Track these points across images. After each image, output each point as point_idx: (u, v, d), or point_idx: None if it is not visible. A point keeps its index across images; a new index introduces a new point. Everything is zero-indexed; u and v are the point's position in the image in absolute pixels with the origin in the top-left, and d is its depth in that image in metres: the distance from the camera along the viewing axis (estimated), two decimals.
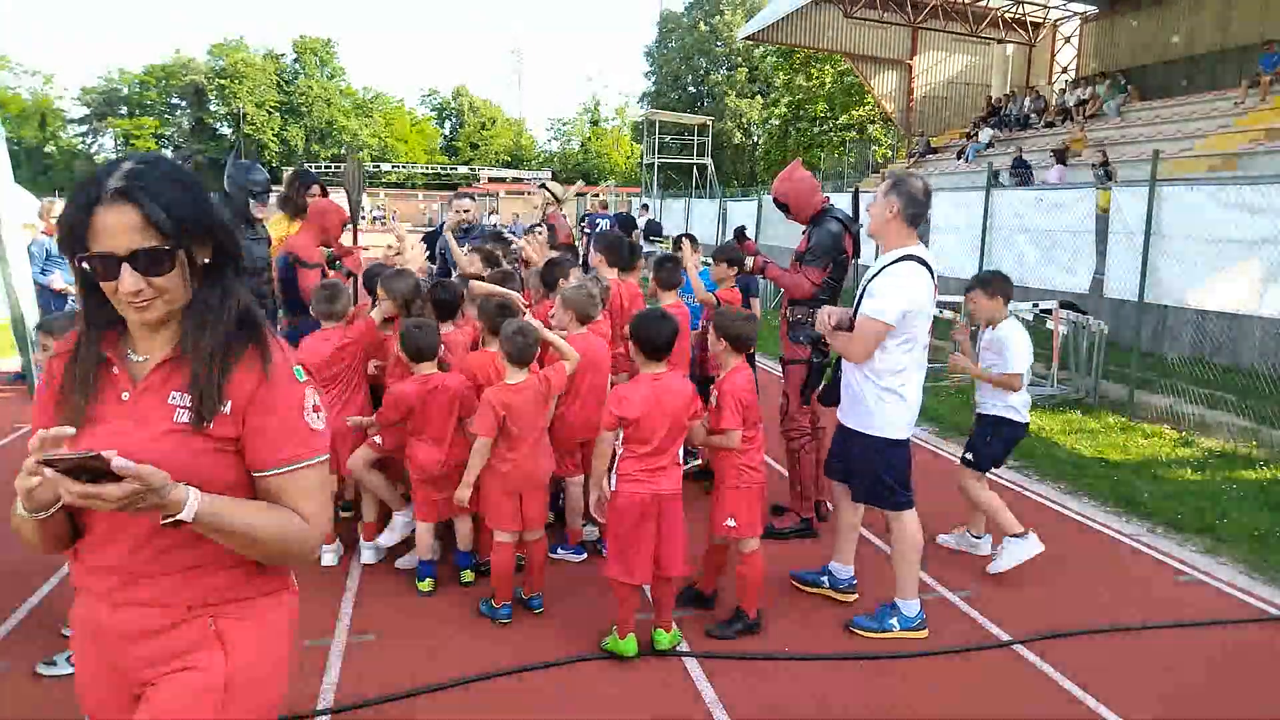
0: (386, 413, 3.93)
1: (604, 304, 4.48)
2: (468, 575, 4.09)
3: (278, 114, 65.87)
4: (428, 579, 4.02)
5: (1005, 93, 24.12)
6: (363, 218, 6.22)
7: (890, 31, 24.86)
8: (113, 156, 67.08)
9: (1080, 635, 3.75)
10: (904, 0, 23.06)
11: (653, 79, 61.07)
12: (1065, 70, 24.73)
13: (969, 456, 4.45)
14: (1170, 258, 7.75)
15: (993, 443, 4.39)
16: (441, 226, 6.74)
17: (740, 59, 55.42)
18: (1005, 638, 3.73)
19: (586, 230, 11.95)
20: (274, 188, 5.46)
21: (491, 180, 52.82)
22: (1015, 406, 4.34)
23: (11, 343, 7.15)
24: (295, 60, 68.94)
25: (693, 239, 6.28)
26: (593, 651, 3.50)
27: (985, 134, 21.51)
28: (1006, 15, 23.91)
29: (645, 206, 22.42)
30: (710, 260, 6.01)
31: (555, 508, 4.52)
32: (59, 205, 7.68)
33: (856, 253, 4.77)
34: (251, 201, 4.61)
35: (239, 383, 1.51)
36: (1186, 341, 9.24)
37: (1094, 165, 13.84)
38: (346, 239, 5.45)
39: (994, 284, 4.43)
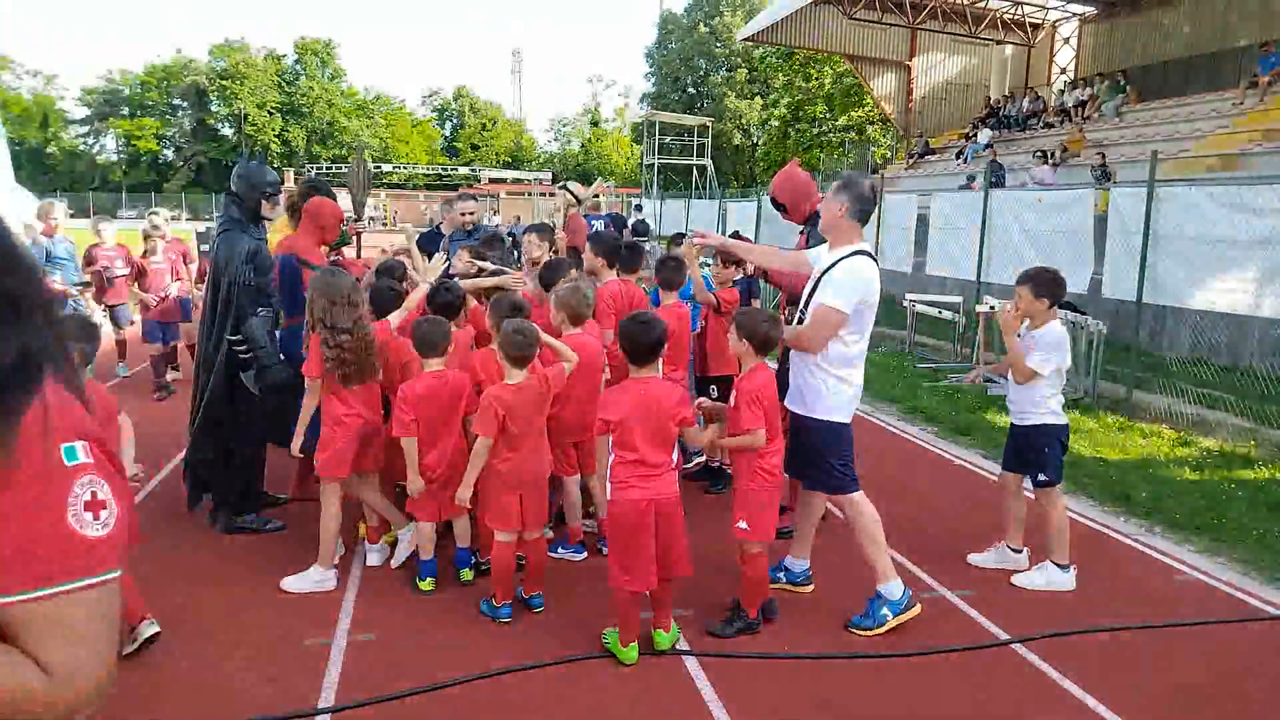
0: (400, 415, 3.91)
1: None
2: (466, 574, 4.10)
3: (279, 115, 65.86)
4: (428, 578, 4.03)
5: (1004, 94, 24.13)
6: (365, 219, 6.18)
7: (889, 33, 24.89)
8: (114, 157, 67.09)
9: (1080, 635, 3.76)
10: (903, 1, 23.08)
11: (653, 80, 61.11)
12: (1064, 71, 24.74)
13: (1044, 477, 4.24)
14: (1169, 258, 7.76)
15: (1051, 452, 4.23)
16: (439, 227, 6.74)
17: (740, 60, 55.44)
18: (1005, 638, 3.74)
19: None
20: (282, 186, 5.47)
21: (492, 181, 52.80)
22: (1055, 410, 4.23)
23: None
24: (296, 61, 68.94)
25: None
26: (593, 651, 3.51)
27: (984, 135, 21.52)
28: (1005, 16, 23.93)
29: (639, 207, 22.47)
30: (711, 260, 6.03)
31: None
32: (59, 206, 7.70)
33: None
34: (264, 201, 4.64)
35: None
36: (1185, 341, 9.24)
37: (1093, 166, 13.85)
38: (348, 250, 5.46)
39: (1041, 284, 4.20)
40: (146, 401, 7.45)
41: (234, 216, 4.66)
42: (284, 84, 66.97)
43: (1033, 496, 4.37)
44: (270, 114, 65.28)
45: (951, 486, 5.88)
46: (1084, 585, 4.28)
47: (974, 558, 4.49)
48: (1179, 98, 18.30)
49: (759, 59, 52.83)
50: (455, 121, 75.59)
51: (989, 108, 23.62)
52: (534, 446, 3.74)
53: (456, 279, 4.93)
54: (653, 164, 37.56)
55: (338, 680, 3.28)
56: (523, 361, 3.70)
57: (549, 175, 57.51)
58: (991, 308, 9.35)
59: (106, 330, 8.12)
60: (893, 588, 3.75)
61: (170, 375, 8.07)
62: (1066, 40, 24.86)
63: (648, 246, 13.07)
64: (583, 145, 75.07)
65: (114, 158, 69.20)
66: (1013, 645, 3.67)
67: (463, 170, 62.13)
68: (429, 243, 6.33)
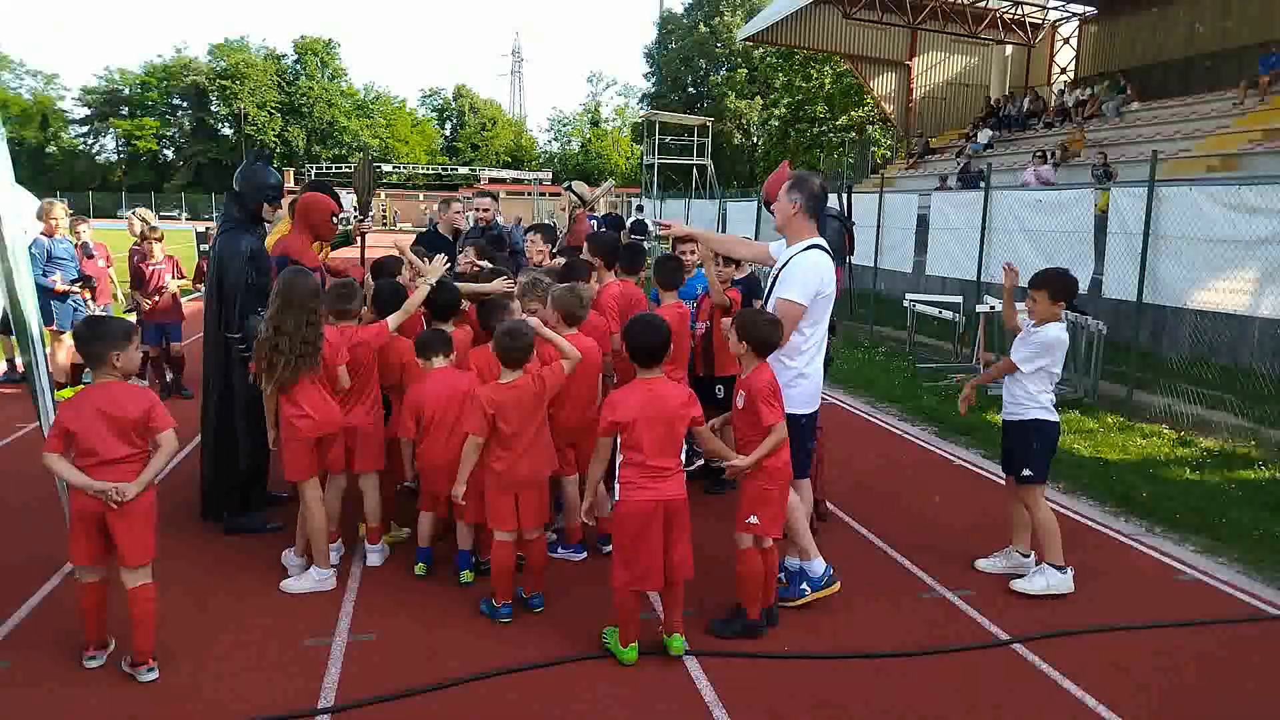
0: (405, 420, 4.05)
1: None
2: (467, 575, 4.10)
3: (279, 114, 65.88)
4: (421, 563, 4.15)
5: (1004, 94, 24.14)
6: (369, 218, 6.15)
7: (889, 32, 24.90)
8: (114, 157, 67.06)
9: (1080, 635, 3.76)
10: (903, 1, 23.08)
11: (653, 80, 61.12)
12: (1064, 71, 24.76)
13: (1028, 473, 4.16)
14: (1169, 258, 7.76)
15: (1039, 449, 4.15)
16: (436, 227, 6.74)
17: (740, 60, 55.46)
18: (1005, 638, 3.74)
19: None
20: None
21: (492, 181, 52.79)
22: (1047, 406, 4.18)
23: (12, 343, 7.16)
24: (296, 61, 68.97)
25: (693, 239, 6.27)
26: (593, 651, 3.51)
27: (984, 135, 21.53)
28: (1005, 16, 23.94)
29: (640, 208, 22.46)
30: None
31: (555, 506, 4.52)
32: (59, 206, 7.69)
33: (851, 249, 4.78)
34: (265, 205, 4.64)
35: None
36: (1185, 341, 9.24)
37: (1094, 166, 13.85)
38: (350, 251, 5.44)
39: (1059, 287, 4.12)
40: None
41: (235, 216, 4.66)
42: (284, 84, 66.98)
43: (1017, 494, 4.29)
44: (270, 114, 65.28)
45: (952, 487, 5.88)
46: (1084, 585, 4.27)
47: (982, 564, 4.41)
48: (1179, 98, 18.31)
49: (759, 59, 52.85)
50: (455, 121, 75.60)
51: (989, 108, 23.62)
52: (530, 446, 3.73)
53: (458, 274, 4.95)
54: (653, 164, 37.55)
55: (338, 680, 3.28)
56: (516, 361, 3.70)
57: (549, 175, 57.56)
58: (992, 307, 9.36)
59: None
60: (815, 565, 3.96)
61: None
62: (1066, 40, 24.88)
63: (646, 246, 13.06)
64: (583, 145, 75.07)
65: (114, 158, 69.25)
66: (1013, 645, 3.67)
67: (463, 170, 62.15)
68: (427, 243, 6.33)
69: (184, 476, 5.23)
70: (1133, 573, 4.49)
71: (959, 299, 10.51)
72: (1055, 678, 3.42)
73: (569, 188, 8.65)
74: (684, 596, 3.54)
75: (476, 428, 3.67)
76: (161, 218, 51.79)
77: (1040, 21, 24.59)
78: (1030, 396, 4.17)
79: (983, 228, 10.32)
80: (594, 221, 11.58)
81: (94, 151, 69.08)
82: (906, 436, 7.20)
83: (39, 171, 59.69)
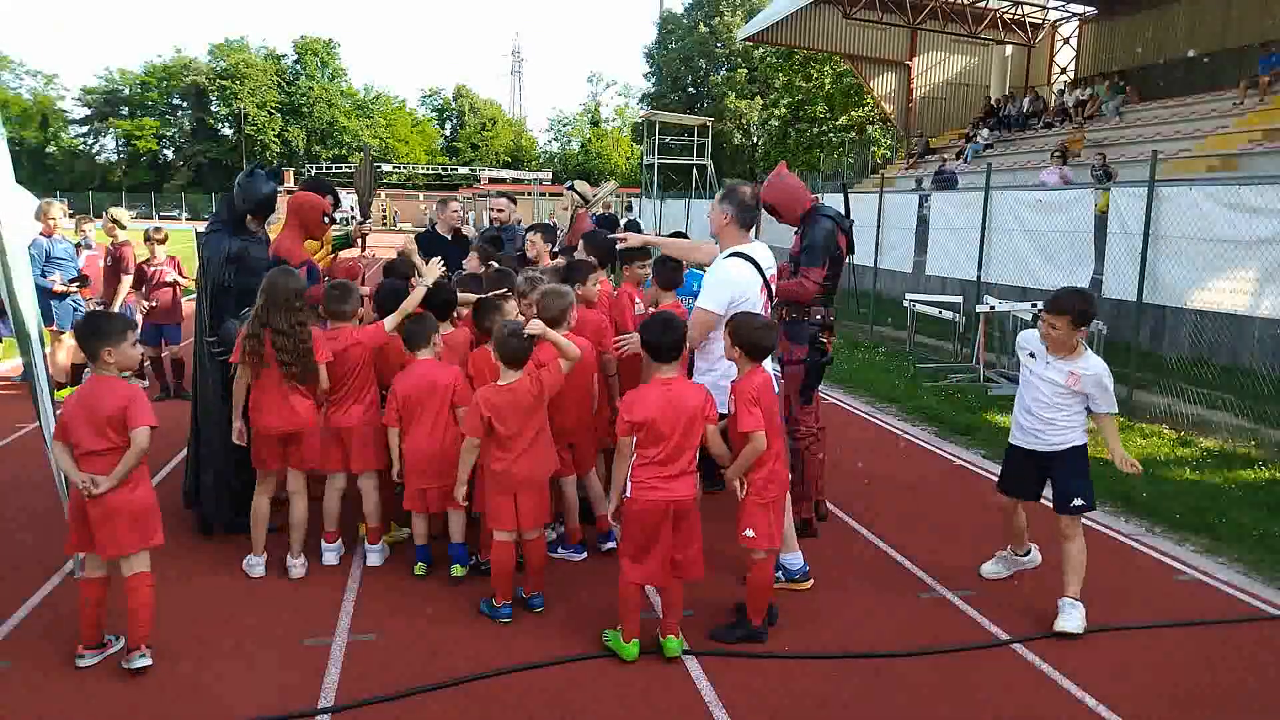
0: (388, 410, 4.15)
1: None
2: (457, 570, 4.11)
3: (279, 115, 65.86)
4: (420, 563, 4.17)
5: (1004, 94, 24.13)
6: (369, 219, 6.17)
7: (889, 32, 24.89)
8: (114, 157, 67.04)
9: (1080, 635, 3.75)
10: (903, 1, 23.08)
11: (653, 80, 61.10)
12: (1064, 71, 24.75)
13: (1080, 503, 3.80)
14: (1169, 258, 7.75)
15: (1087, 472, 3.86)
16: (434, 227, 6.73)
17: (740, 60, 55.43)
18: (1005, 638, 3.74)
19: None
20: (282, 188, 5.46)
21: (492, 181, 52.80)
22: (1083, 428, 3.89)
23: (12, 343, 7.16)
24: (296, 61, 68.95)
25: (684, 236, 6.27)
26: (593, 651, 3.51)
27: (984, 135, 21.52)
28: (1005, 16, 23.94)
29: (629, 207, 22.43)
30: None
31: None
32: (57, 206, 7.69)
33: (850, 249, 4.78)
34: (248, 216, 4.63)
35: None
36: (1185, 342, 9.24)
37: (1093, 167, 13.85)
38: (351, 251, 5.43)
39: (1079, 314, 3.69)
40: None
41: (223, 218, 4.67)
42: (284, 84, 66.96)
43: (1062, 522, 3.87)
44: (270, 114, 65.27)
45: (953, 487, 5.88)
46: (1084, 585, 4.27)
47: (987, 570, 4.33)
48: (1179, 98, 18.30)
49: (759, 59, 52.83)
50: (455, 121, 75.57)
51: (989, 108, 23.62)
52: (528, 447, 3.73)
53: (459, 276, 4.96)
54: (653, 164, 37.54)
55: (338, 680, 3.28)
56: (515, 362, 3.70)
57: (549, 175, 57.54)
58: (992, 307, 9.36)
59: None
60: (793, 557, 4.09)
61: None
62: (1066, 40, 24.87)
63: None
64: (583, 145, 75.06)
65: (114, 158, 69.23)
66: (1013, 645, 3.67)
67: (463, 170, 62.16)
68: (425, 243, 6.34)
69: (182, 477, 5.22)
70: (1133, 573, 4.50)
71: (959, 299, 10.51)
72: (1055, 678, 3.42)
73: (571, 187, 8.63)
74: (684, 597, 3.54)
75: (471, 429, 3.71)
76: (162, 218, 51.51)
77: (1040, 21, 24.58)
78: (1077, 421, 3.84)
79: (983, 228, 10.32)
80: (593, 221, 11.56)
81: (94, 151, 69.06)
82: (907, 436, 7.20)
83: (39, 171, 59.70)
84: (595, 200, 8.65)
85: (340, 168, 50.54)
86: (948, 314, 10.59)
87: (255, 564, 4.16)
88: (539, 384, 3.74)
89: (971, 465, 6.37)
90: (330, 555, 4.29)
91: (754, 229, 4.20)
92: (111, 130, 66.97)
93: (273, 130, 65.08)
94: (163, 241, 8.02)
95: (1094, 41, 23.33)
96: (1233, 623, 3.93)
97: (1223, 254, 7.33)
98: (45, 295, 7.10)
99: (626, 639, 3.44)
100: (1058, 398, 3.79)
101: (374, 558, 4.31)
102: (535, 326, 3.71)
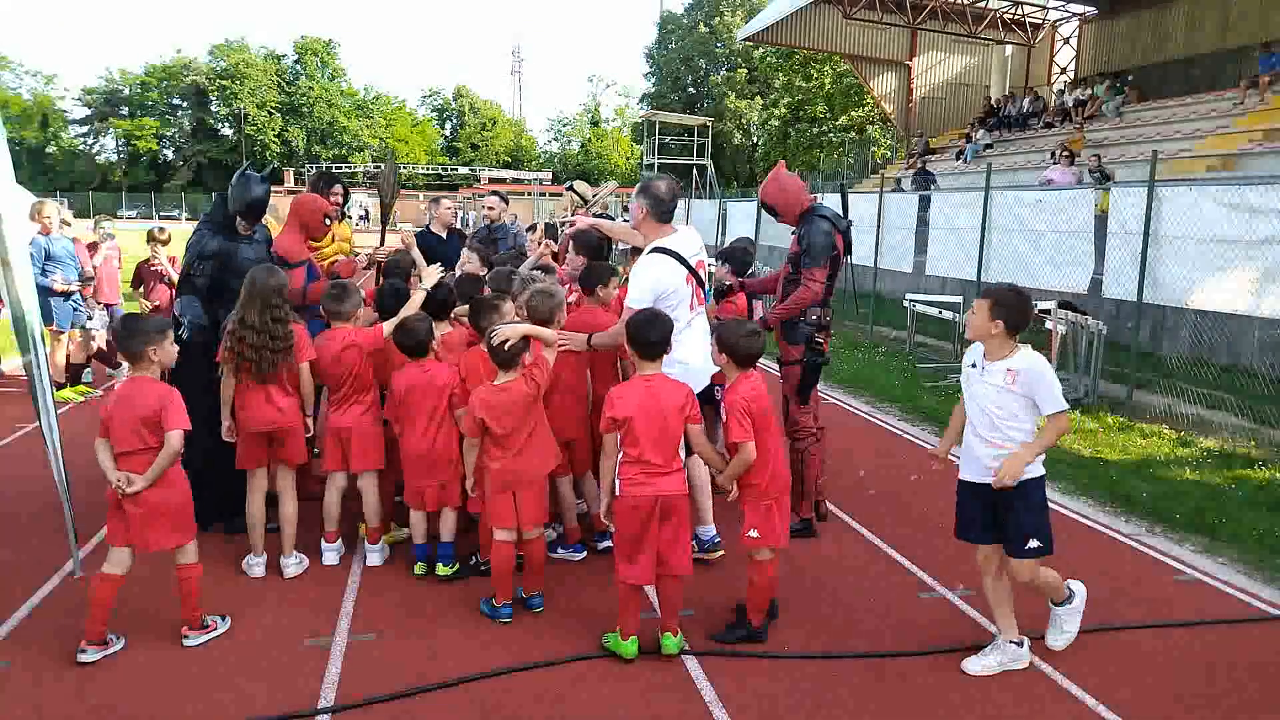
0: (389, 406, 4.23)
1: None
2: (442, 569, 4.12)
3: (279, 115, 65.88)
4: (420, 563, 4.17)
5: (1004, 94, 24.12)
6: (364, 217, 6.21)
7: (889, 32, 24.89)
8: (114, 157, 67.03)
9: (1081, 635, 3.75)
10: (903, 1, 23.07)
11: (653, 80, 61.11)
12: (1064, 71, 24.74)
13: (1036, 545, 3.33)
14: (1169, 258, 7.76)
15: (1044, 508, 3.39)
16: (429, 227, 6.74)
17: (740, 60, 55.46)
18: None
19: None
20: (276, 188, 5.48)
21: (492, 180, 52.81)
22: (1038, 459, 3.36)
23: (12, 342, 7.16)
24: (296, 61, 68.97)
25: None
26: (593, 651, 3.51)
27: (984, 135, 21.52)
28: (1005, 16, 23.93)
29: (626, 208, 22.41)
30: (715, 262, 6.02)
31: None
32: (50, 204, 7.68)
33: (848, 250, 4.79)
34: (238, 218, 4.64)
35: None
36: (1185, 341, 9.24)
37: (1091, 169, 13.84)
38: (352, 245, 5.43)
39: (996, 300, 3.28)
40: None
41: (214, 218, 4.67)
42: (284, 84, 66.98)
43: (1016, 568, 3.40)
44: (270, 114, 65.29)
45: (953, 487, 5.87)
46: (1084, 585, 4.27)
47: (970, 665, 3.46)
48: (1179, 98, 18.29)
49: (759, 59, 52.84)
50: (455, 121, 75.60)
51: (989, 108, 23.61)
52: (525, 446, 3.74)
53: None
54: (653, 164, 37.54)
55: (338, 680, 3.28)
56: (509, 363, 3.70)
57: (549, 175, 57.53)
58: (951, 322, 9.31)
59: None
60: (707, 530, 4.31)
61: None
62: (1066, 40, 24.86)
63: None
64: (583, 145, 75.06)
65: (114, 158, 69.22)
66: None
67: (463, 170, 62.17)
68: (420, 242, 6.35)
69: None
70: (1133, 573, 4.49)
71: (959, 299, 10.52)
72: (1055, 678, 3.42)
73: (570, 188, 8.65)
74: (684, 597, 3.54)
75: (468, 430, 3.77)
76: (162, 218, 51.46)
77: (1040, 21, 24.57)
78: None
79: (983, 228, 10.33)
80: None
81: (94, 151, 69.07)
82: (906, 436, 7.20)
83: (39, 171, 59.72)
84: (594, 201, 8.65)
85: (340, 167, 50.54)
86: (948, 314, 10.59)
87: (255, 564, 4.16)
88: (533, 383, 3.74)
89: None
90: (330, 555, 4.29)
91: (674, 218, 4.24)
92: (111, 130, 66.97)
93: (273, 130, 65.09)
94: (165, 242, 8.02)
95: (1094, 41, 23.32)
96: (1233, 623, 3.93)
97: (1223, 254, 7.33)
98: (45, 294, 7.10)
99: (625, 637, 3.44)
100: (1003, 402, 3.29)
101: (374, 558, 4.31)
102: (504, 332, 3.66)
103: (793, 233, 4.81)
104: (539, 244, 5.99)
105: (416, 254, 5.45)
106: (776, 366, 4.94)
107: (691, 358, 4.03)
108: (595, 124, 76.76)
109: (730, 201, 21.74)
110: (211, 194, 5.02)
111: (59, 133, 66.81)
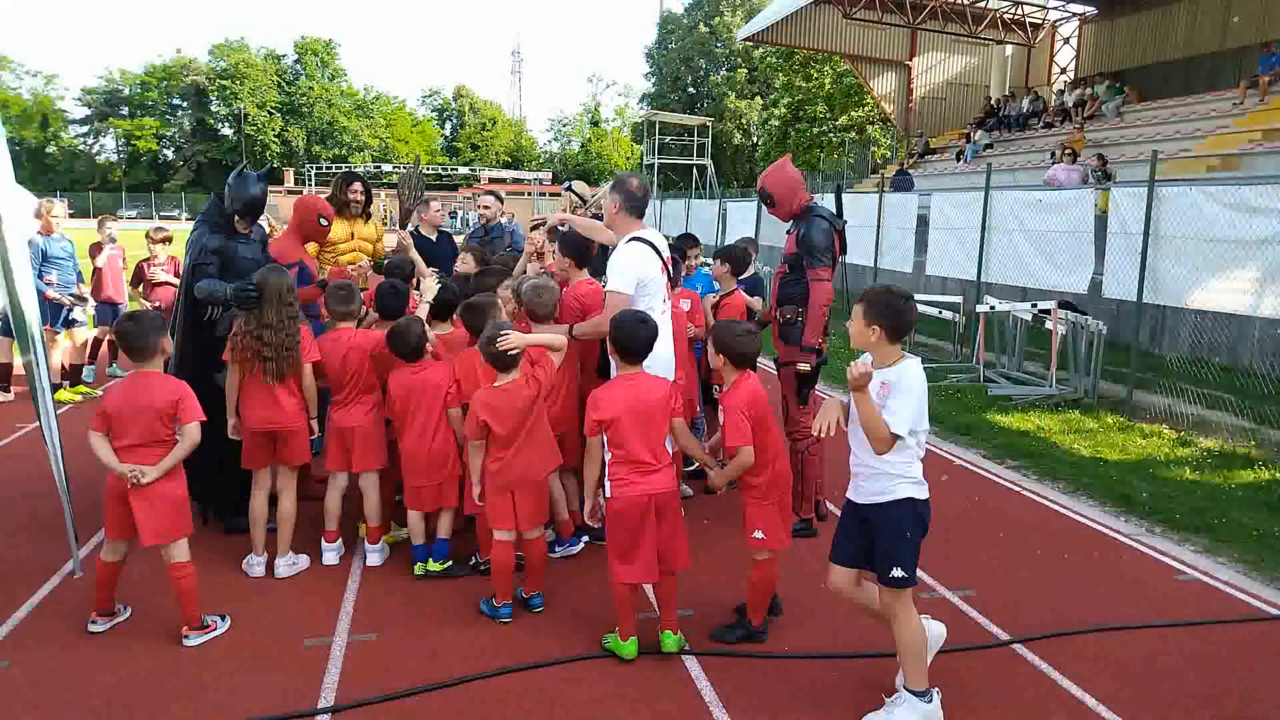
0: (389, 408, 4.22)
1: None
2: (434, 565, 4.14)
3: (279, 115, 65.86)
4: (420, 563, 4.17)
5: (1004, 94, 24.13)
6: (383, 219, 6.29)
7: (889, 32, 24.89)
8: (114, 157, 67.02)
9: (1080, 635, 3.76)
10: (903, 1, 23.07)
11: (653, 80, 61.11)
12: (1064, 71, 24.74)
13: (900, 574, 3.00)
14: (1169, 258, 7.75)
15: (912, 536, 3.04)
16: (418, 228, 6.75)
17: (740, 60, 55.46)
18: (1005, 638, 3.74)
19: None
20: (275, 188, 5.51)
21: (492, 181, 52.82)
22: (919, 477, 3.07)
23: (11, 343, 7.16)
24: (297, 61, 68.95)
25: (694, 239, 6.27)
26: (593, 651, 3.51)
27: (984, 135, 21.52)
28: (1005, 16, 23.92)
29: None
30: (711, 261, 6.02)
31: None
32: (59, 205, 7.68)
33: (843, 249, 4.80)
34: (237, 216, 4.64)
35: None
36: (1185, 341, 9.24)
37: (1091, 170, 13.84)
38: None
39: (868, 299, 3.03)
40: None
41: (211, 217, 4.66)
42: (284, 84, 66.96)
43: (881, 597, 3.16)
44: (270, 114, 65.27)
45: (952, 487, 5.88)
46: (1083, 585, 4.28)
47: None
48: (1179, 98, 18.30)
49: (759, 59, 52.83)
50: (455, 121, 75.59)
51: (989, 108, 23.61)
52: (525, 446, 3.73)
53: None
54: (653, 164, 37.56)
55: (338, 680, 3.28)
56: (506, 365, 3.70)
57: (549, 175, 57.53)
58: (992, 307, 9.36)
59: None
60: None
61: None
62: (1066, 40, 24.86)
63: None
64: (583, 145, 75.06)
65: (114, 158, 69.21)
66: (1013, 645, 3.67)
67: (463, 170, 62.17)
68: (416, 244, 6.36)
69: None
70: (1133, 573, 4.49)
71: (959, 299, 10.51)
72: (1055, 678, 3.42)
73: (569, 188, 8.63)
74: (684, 597, 3.54)
75: (471, 433, 3.74)
76: (162, 218, 51.47)
77: (1040, 21, 24.57)
78: (901, 467, 3.03)
79: (983, 228, 10.33)
80: None
81: (94, 151, 69.07)
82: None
83: (39, 171, 59.74)
84: (592, 201, 8.65)
85: (340, 167, 50.52)
86: (948, 314, 10.59)
87: (255, 564, 4.17)
88: (535, 383, 3.74)
89: (971, 465, 6.37)
90: (330, 555, 4.29)
91: (644, 216, 4.34)
92: (111, 130, 66.96)
93: (273, 130, 65.07)
94: (164, 241, 8.01)
95: (1094, 41, 23.31)
96: (1233, 623, 3.93)
97: (1223, 254, 7.32)
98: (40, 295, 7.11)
99: (624, 637, 3.44)
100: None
101: (374, 558, 4.31)
102: (512, 340, 3.65)
103: (787, 231, 4.82)
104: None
105: (415, 255, 5.46)
106: (775, 367, 4.94)
107: (661, 348, 4.01)
108: (595, 124, 76.76)
109: (730, 201, 21.74)
110: (211, 194, 5.03)
111: (59, 133, 66.80)
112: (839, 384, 9.03)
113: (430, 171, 64.25)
